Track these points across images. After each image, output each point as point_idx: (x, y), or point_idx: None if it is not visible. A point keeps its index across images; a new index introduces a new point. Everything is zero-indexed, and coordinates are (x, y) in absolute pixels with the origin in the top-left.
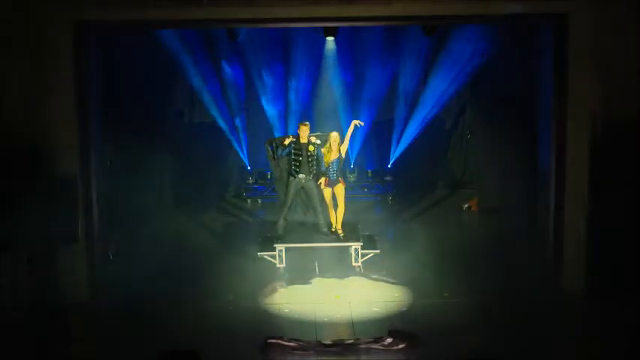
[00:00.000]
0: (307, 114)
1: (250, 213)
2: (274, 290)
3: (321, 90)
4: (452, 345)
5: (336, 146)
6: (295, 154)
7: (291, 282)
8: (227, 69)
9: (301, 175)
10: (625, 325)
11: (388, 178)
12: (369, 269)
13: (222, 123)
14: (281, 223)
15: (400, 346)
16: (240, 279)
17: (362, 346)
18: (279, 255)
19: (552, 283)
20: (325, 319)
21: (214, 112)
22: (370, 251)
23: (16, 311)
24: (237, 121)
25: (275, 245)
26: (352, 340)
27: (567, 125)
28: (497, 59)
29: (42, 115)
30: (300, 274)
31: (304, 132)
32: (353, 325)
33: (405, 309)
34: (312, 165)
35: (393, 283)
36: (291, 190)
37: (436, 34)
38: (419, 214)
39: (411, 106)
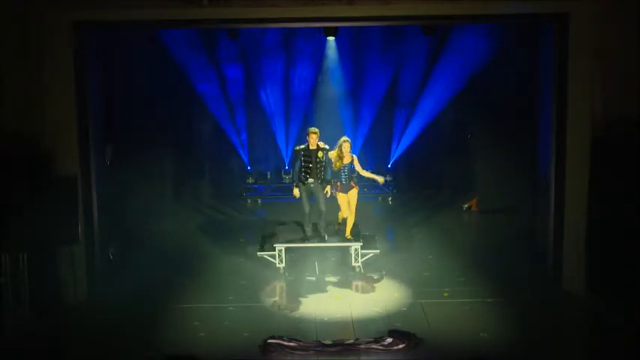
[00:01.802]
0: (307, 114)
1: (250, 213)
2: (274, 290)
3: (322, 90)
4: (452, 345)
5: (347, 151)
6: (305, 161)
7: (291, 282)
8: (227, 68)
9: (310, 180)
10: (625, 325)
11: (388, 178)
12: (369, 269)
13: (222, 123)
14: (308, 230)
15: (400, 346)
16: (240, 279)
17: (362, 346)
18: (279, 255)
19: (552, 283)
20: (325, 319)
21: (214, 111)
22: (370, 251)
23: (17, 311)
24: (238, 121)
25: (275, 245)
26: (352, 340)
27: (567, 125)
28: (498, 59)
29: (42, 116)
30: (300, 274)
31: (314, 139)
32: (353, 325)
33: (405, 309)
34: (320, 171)
35: (393, 283)
36: (304, 197)
37: (436, 34)
38: (419, 214)
39: (412, 106)
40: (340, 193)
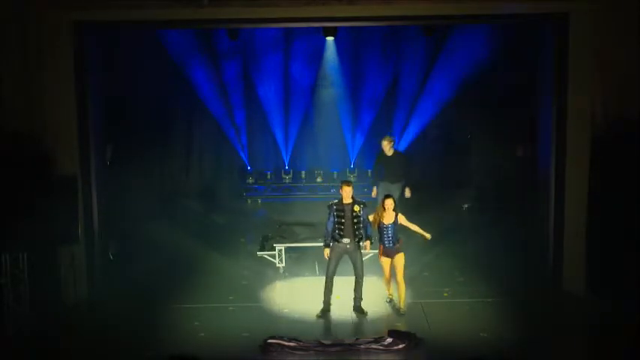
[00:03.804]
0: (307, 113)
1: (250, 213)
2: (274, 290)
3: (321, 90)
4: (452, 345)
5: (391, 208)
6: (338, 216)
7: (291, 282)
8: (227, 68)
9: (345, 240)
10: (625, 325)
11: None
12: (369, 269)
13: (222, 122)
14: (327, 300)
15: (400, 346)
16: (240, 279)
17: (362, 346)
18: (279, 255)
19: (552, 283)
20: (325, 319)
21: (214, 111)
22: (370, 251)
23: (17, 311)
24: (238, 121)
25: (275, 245)
26: (352, 340)
27: (567, 125)
28: (498, 59)
29: (42, 116)
30: (300, 274)
31: (347, 192)
32: (353, 325)
33: (405, 309)
34: (358, 228)
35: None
36: (333, 258)
37: (436, 34)
38: (418, 214)
39: (411, 106)
40: (384, 257)
